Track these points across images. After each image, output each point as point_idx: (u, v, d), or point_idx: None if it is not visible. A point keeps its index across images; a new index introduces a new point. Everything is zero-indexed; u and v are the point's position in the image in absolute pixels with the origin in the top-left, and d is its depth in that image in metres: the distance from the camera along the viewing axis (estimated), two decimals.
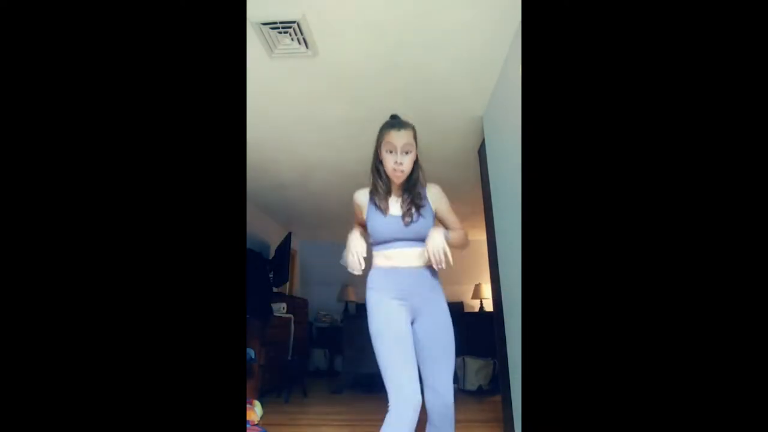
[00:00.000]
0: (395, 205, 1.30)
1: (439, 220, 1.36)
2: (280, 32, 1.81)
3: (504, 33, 1.84)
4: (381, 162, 1.29)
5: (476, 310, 5.44)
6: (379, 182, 1.30)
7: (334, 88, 2.29)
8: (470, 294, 5.76)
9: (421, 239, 1.26)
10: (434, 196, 1.34)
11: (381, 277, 1.29)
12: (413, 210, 1.26)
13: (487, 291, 5.47)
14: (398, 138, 1.23)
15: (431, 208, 1.31)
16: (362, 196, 1.35)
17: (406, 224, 1.25)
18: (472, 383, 3.69)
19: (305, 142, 2.97)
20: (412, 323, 1.26)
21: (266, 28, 1.78)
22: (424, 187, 1.33)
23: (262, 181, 3.71)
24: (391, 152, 1.24)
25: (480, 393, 3.64)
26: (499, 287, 2.23)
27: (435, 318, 1.26)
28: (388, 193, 1.31)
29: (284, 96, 2.36)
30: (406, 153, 1.24)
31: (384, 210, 1.28)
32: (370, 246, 1.33)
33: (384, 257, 1.29)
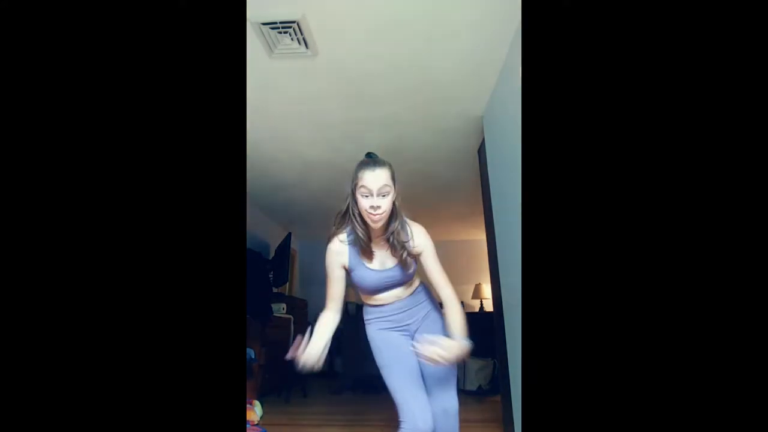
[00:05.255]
0: (380, 254, 1.24)
1: (422, 264, 1.25)
2: (280, 32, 1.81)
3: (504, 33, 1.84)
4: (357, 203, 1.18)
5: (476, 310, 5.44)
6: (359, 228, 1.19)
7: (334, 88, 2.29)
8: (470, 294, 5.75)
9: (406, 282, 1.27)
10: (419, 238, 1.23)
11: (374, 312, 1.31)
12: (407, 258, 1.21)
13: (487, 291, 5.46)
14: (374, 180, 1.13)
15: (412, 248, 1.23)
16: (338, 246, 1.24)
17: (408, 271, 1.23)
18: (472, 383, 3.69)
19: (305, 142, 2.97)
20: (413, 339, 1.28)
21: (266, 28, 1.78)
22: (406, 225, 1.23)
23: (262, 181, 3.71)
24: (366, 196, 1.14)
25: (480, 393, 3.64)
26: (499, 287, 2.23)
27: (430, 330, 1.26)
28: (369, 239, 1.20)
29: (284, 96, 2.36)
30: (383, 196, 1.14)
31: (368, 259, 1.22)
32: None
33: (371, 299, 1.31)
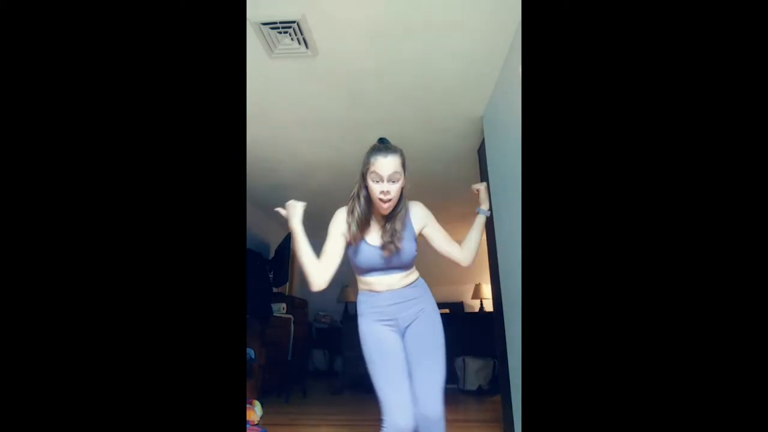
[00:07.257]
0: (373, 234, 1.27)
1: (426, 239, 1.34)
2: (280, 32, 1.81)
3: (504, 33, 1.84)
4: (366, 188, 1.23)
5: (476, 310, 5.43)
6: (358, 207, 1.24)
7: (334, 88, 2.29)
8: (470, 294, 5.75)
9: (403, 266, 1.26)
10: (417, 216, 1.31)
11: (366, 302, 1.31)
12: (394, 243, 1.21)
13: (487, 291, 5.46)
14: (385, 167, 1.17)
15: (413, 231, 1.29)
16: (343, 215, 1.30)
17: (387, 256, 1.23)
18: (472, 383, 3.69)
19: (305, 142, 2.97)
20: (402, 337, 1.28)
21: (266, 28, 1.78)
22: (406, 210, 1.28)
23: (262, 181, 3.71)
24: (377, 182, 1.18)
25: (480, 393, 3.64)
26: (499, 287, 2.23)
27: (421, 329, 1.26)
28: (366, 221, 1.25)
29: (284, 96, 2.36)
30: (393, 182, 1.18)
31: (367, 233, 1.25)
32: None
33: (363, 283, 1.31)
